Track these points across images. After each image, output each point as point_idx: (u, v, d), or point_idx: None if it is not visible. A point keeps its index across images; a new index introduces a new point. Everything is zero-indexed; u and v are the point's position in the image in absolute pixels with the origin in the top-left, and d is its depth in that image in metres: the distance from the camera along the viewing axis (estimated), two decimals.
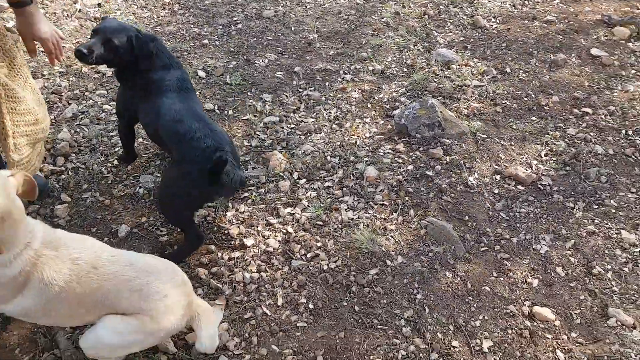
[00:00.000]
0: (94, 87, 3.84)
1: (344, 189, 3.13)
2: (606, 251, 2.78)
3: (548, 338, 2.36)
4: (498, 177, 3.28)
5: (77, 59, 2.57)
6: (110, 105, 3.67)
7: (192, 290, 2.13)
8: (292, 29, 4.93)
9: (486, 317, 2.45)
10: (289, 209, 2.97)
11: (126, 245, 2.70)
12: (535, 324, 2.43)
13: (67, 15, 4.66)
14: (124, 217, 2.88)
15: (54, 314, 1.88)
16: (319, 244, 2.78)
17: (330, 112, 3.80)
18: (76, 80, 3.88)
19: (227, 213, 2.95)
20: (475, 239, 2.86)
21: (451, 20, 5.12)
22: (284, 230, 2.85)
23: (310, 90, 4.03)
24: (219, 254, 2.71)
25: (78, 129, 3.44)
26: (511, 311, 2.48)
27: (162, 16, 4.91)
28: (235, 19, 4.98)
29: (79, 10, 4.74)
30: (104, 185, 3.06)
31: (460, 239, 2.83)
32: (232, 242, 2.77)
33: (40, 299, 1.81)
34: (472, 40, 4.80)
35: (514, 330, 2.39)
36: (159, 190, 2.86)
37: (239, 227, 2.85)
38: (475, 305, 2.51)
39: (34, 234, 1.82)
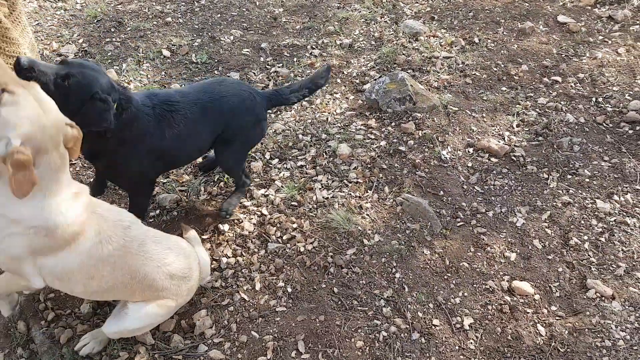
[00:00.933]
0: None
1: (318, 167, 3.05)
2: (582, 222, 2.79)
3: (528, 312, 2.36)
4: (471, 150, 3.25)
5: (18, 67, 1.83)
6: None
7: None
8: (257, 3, 4.75)
9: (466, 294, 2.44)
10: (262, 191, 2.88)
11: None
12: (515, 298, 2.42)
13: None
14: None
15: (96, 281, 1.77)
16: (294, 225, 2.71)
17: None
18: None
19: (199, 197, 2.84)
20: (451, 214, 2.83)
21: None
22: (259, 213, 2.77)
23: (279, 67, 3.90)
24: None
25: None
26: (490, 287, 2.47)
27: None
28: None
29: None
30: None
31: (436, 214, 2.80)
32: (206, 227, 2.67)
33: (89, 259, 1.70)
34: (439, 10, 4.72)
35: (494, 306, 2.39)
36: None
37: (212, 211, 2.75)
38: (454, 282, 2.49)
39: (82, 189, 1.74)
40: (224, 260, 2.52)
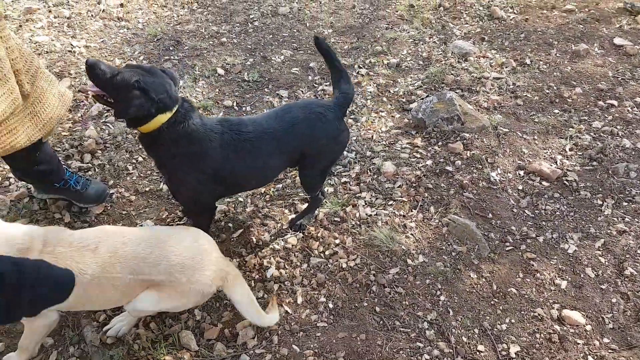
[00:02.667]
0: None
1: (361, 184, 3.03)
2: (638, 251, 2.65)
3: (579, 343, 2.25)
4: (522, 172, 3.16)
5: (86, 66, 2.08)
6: None
7: (220, 256, 2.13)
8: (307, 24, 4.83)
9: (513, 321, 2.34)
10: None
11: None
12: (564, 328, 2.31)
13: (92, 15, 4.66)
14: (148, 212, 2.83)
15: (96, 299, 1.94)
16: (337, 241, 2.69)
17: None
18: None
19: (246, 209, 2.86)
20: (500, 237, 2.75)
21: (467, 12, 4.99)
22: None
23: (326, 85, 3.93)
24: (240, 251, 2.64)
25: (104, 127, 3.41)
26: (539, 314, 2.37)
27: (181, 15, 4.86)
28: (251, 16, 4.91)
29: (103, 11, 4.75)
30: (129, 181, 3.02)
31: (484, 237, 2.72)
32: (252, 238, 2.68)
33: (78, 289, 1.77)
34: (489, 31, 4.66)
35: (542, 335, 2.28)
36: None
37: (258, 223, 2.77)
38: (501, 308, 2.40)
39: (26, 241, 1.81)
40: (269, 272, 2.51)
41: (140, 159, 3.18)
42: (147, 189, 2.97)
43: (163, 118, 2.07)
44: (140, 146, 3.19)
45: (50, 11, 4.64)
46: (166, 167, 2.25)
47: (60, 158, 2.95)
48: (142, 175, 3.07)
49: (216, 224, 2.78)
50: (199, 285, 1.99)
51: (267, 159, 2.31)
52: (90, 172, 3.07)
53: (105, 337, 2.20)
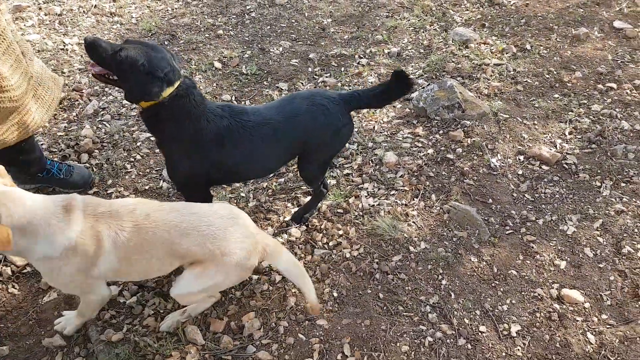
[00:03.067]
0: None
1: (364, 175, 3.10)
2: (636, 230, 2.71)
3: (578, 320, 2.32)
4: (522, 157, 3.21)
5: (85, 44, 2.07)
6: None
7: (254, 228, 2.16)
8: (306, 14, 4.87)
9: (514, 301, 2.41)
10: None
11: None
12: (564, 306, 2.38)
13: (84, 11, 4.68)
14: None
15: (137, 264, 1.98)
16: (340, 232, 2.76)
17: None
18: None
19: (248, 204, 2.94)
20: (500, 222, 2.81)
21: None
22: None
23: (326, 77, 3.98)
24: None
25: (100, 125, 3.46)
26: (539, 294, 2.44)
27: (176, 8, 4.90)
28: (248, 7, 4.94)
29: (95, 6, 4.76)
30: (127, 180, 3.07)
31: (484, 222, 2.79)
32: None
33: (119, 251, 1.89)
34: (489, 17, 4.69)
35: (542, 314, 2.35)
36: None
37: (261, 218, 2.84)
38: (502, 290, 2.47)
39: (69, 198, 1.90)
40: (266, 263, 2.57)
41: (138, 157, 3.22)
42: (147, 187, 3.01)
43: (166, 92, 2.07)
44: (138, 144, 3.30)
45: (40, 8, 4.62)
46: (163, 144, 2.29)
47: (56, 159, 3.02)
48: (140, 173, 3.12)
49: None
50: (234, 258, 2.01)
51: (264, 149, 2.32)
52: None
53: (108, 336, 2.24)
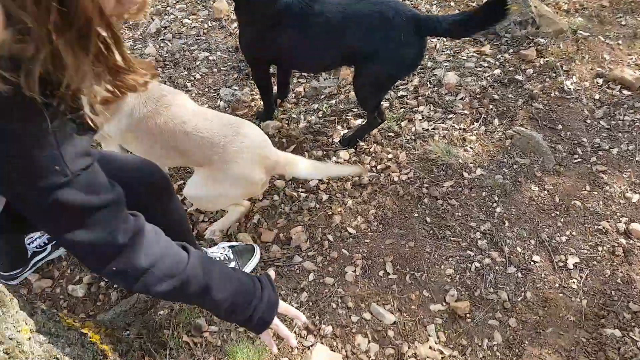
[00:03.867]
0: (174, 2, 3.82)
1: (420, 98, 2.91)
2: None
3: None
4: (600, 80, 2.88)
5: None
6: (189, 19, 3.65)
7: (264, 142, 2.12)
8: None
9: (574, 233, 2.22)
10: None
11: None
12: (630, 241, 2.17)
13: None
14: None
15: (142, 143, 2.04)
16: (390, 156, 2.63)
17: None
18: None
19: (299, 125, 2.86)
20: (568, 149, 2.57)
21: None
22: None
23: None
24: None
25: (162, 44, 3.47)
26: (604, 227, 2.23)
27: None
28: None
29: None
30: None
31: (550, 149, 2.56)
32: (304, 154, 2.69)
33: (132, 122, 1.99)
34: None
35: (605, 248, 2.16)
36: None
37: (310, 139, 2.77)
38: (562, 220, 2.28)
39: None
40: (314, 182, 2.52)
41: (197, 76, 3.20)
42: (205, 106, 2.98)
43: None
44: (197, 63, 3.28)
45: None
46: (237, 15, 2.45)
47: None
48: (200, 92, 3.11)
49: (271, 139, 2.80)
50: (236, 168, 1.99)
51: (315, 38, 2.29)
52: None
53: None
